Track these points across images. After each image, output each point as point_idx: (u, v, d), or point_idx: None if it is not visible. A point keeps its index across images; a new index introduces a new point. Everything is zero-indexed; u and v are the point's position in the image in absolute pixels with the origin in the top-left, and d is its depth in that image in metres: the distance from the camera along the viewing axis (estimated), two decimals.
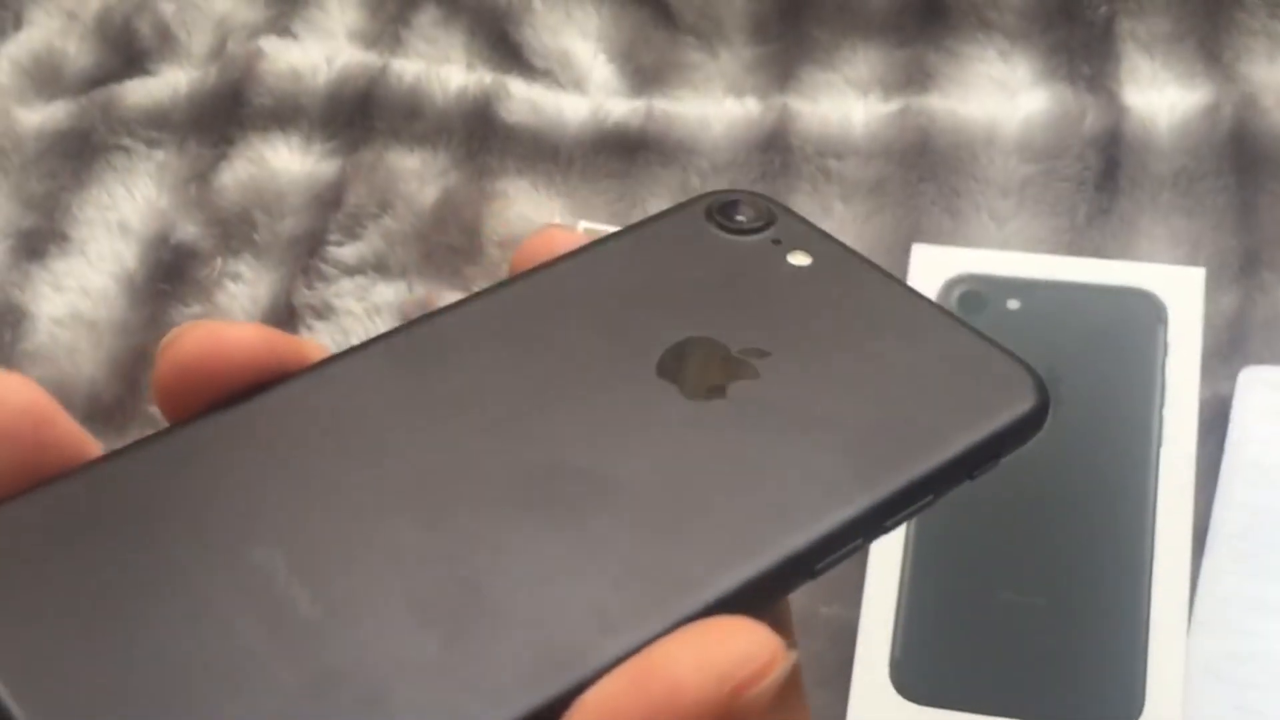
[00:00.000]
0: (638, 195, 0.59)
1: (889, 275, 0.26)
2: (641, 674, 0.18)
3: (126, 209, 0.62)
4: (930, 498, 0.23)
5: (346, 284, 0.59)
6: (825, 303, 0.25)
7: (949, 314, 0.25)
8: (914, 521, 0.49)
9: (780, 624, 0.23)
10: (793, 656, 0.19)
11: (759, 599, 0.20)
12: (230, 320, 0.24)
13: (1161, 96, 0.58)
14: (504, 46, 0.63)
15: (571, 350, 0.24)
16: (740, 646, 0.18)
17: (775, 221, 0.26)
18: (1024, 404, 0.23)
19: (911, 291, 0.25)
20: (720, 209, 0.27)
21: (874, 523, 0.22)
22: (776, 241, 0.26)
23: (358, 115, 0.62)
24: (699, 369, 0.24)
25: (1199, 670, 0.46)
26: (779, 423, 0.23)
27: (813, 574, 0.21)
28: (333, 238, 0.59)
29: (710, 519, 0.21)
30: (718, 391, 0.23)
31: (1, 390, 0.22)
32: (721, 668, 0.18)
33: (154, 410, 0.58)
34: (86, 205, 0.62)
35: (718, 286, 0.25)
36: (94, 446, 0.23)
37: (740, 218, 0.27)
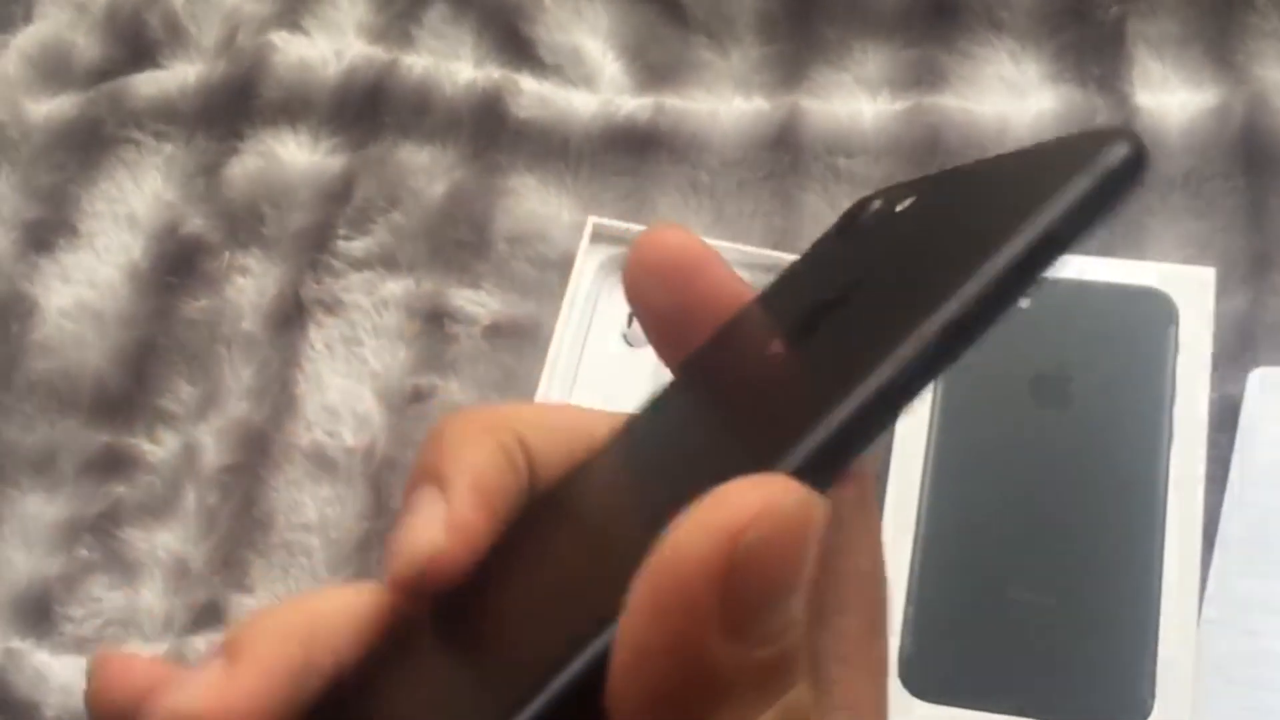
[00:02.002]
0: (647, 192, 0.59)
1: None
2: (652, 555, 0.18)
3: (134, 201, 0.62)
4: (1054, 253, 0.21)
5: (354, 278, 0.59)
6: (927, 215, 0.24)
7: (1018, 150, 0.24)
8: (925, 517, 0.49)
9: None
10: (800, 494, 0.18)
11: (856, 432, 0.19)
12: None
13: (1171, 98, 0.58)
14: (514, 42, 0.63)
15: None
16: (736, 497, 0.17)
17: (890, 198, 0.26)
18: (1116, 147, 0.21)
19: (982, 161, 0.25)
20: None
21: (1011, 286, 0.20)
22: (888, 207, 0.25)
23: (367, 110, 0.62)
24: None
25: (1208, 670, 0.46)
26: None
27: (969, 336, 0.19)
28: (341, 232, 0.59)
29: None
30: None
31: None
32: (718, 520, 0.17)
33: (161, 403, 0.57)
34: (95, 197, 0.62)
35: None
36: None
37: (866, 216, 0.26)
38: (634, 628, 0.17)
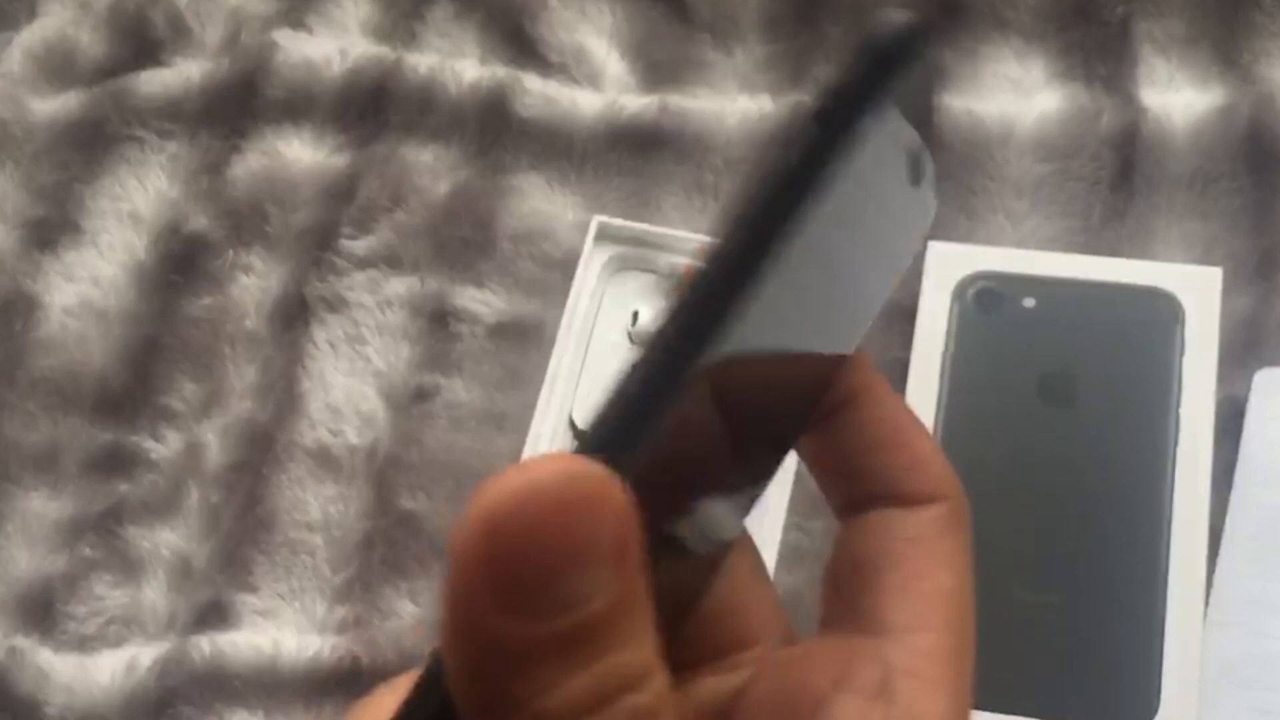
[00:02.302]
0: (651, 192, 0.59)
1: None
2: None
3: (138, 199, 0.62)
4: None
5: (358, 277, 0.59)
6: None
7: None
8: None
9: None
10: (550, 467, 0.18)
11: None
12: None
13: (1178, 97, 0.57)
14: (518, 41, 0.63)
15: None
16: (498, 481, 0.18)
17: None
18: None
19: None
20: None
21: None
22: None
23: (371, 108, 0.62)
24: None
25: (1214, 671, 0.46)
26: None
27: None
28: (345, 230, 0.59)
29: None
30: None
31: None
32: (479, 504, 0.18)
33: (165, 401, 0.57)
34: (98, 195, 0.62)
35: None
36: None
37: None
38: (441, 613, 0.18)
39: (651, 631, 0.19)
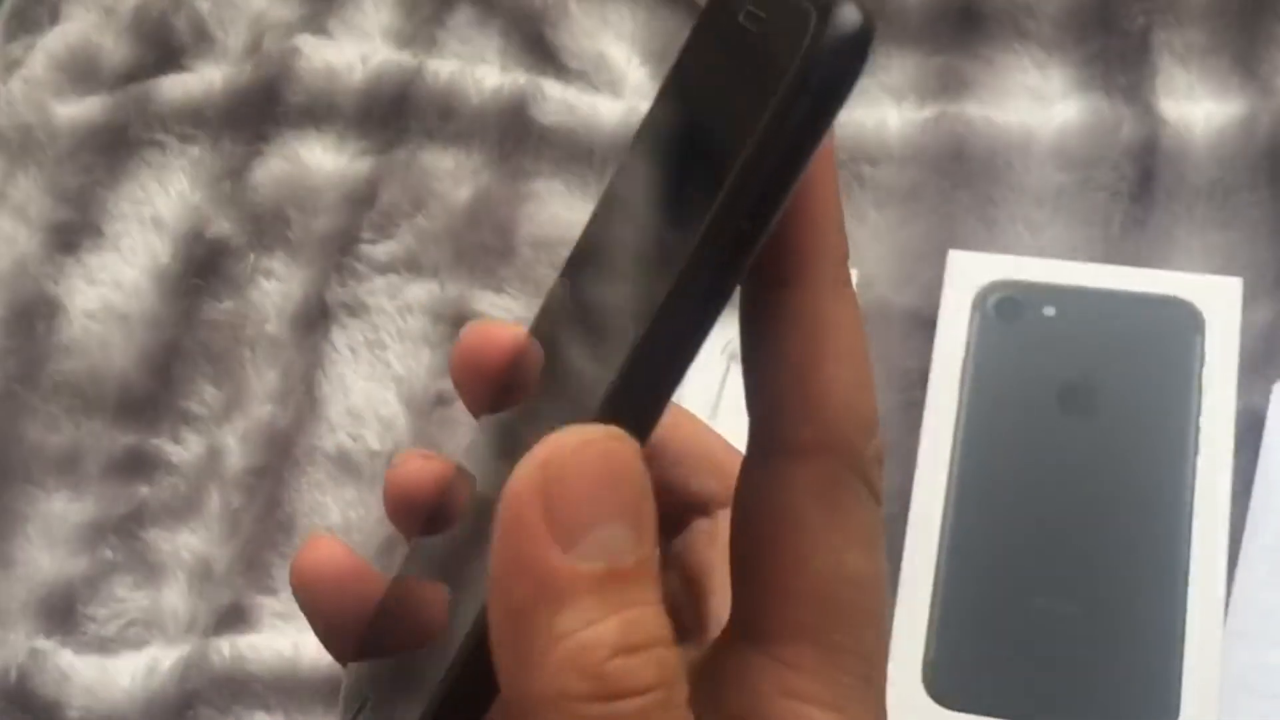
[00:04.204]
0: None
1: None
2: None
3: (160, 204, 0.62)
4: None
5: (379, 282, 0.59)
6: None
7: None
8: (951, 524, 0.49)
9: None
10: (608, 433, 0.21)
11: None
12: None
13: (1197, 108, 0.57)
14: (539, 48, 0.63)
15: None
16: (552, 438, 0.21)
17: None
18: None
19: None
20: None
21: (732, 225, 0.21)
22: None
23: (392, 114, 0.62)
24: None
25: (1233, 682, 0.46)
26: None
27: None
28: (366, 236, 0.60)
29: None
30: None
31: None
32: (536, 455, 0.20)
33: (185, 404, 0.58)
34: (120, 200, 0.62)
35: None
36: None
37: None
38: (493, 549, 0.21)
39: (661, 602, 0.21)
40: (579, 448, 0.21)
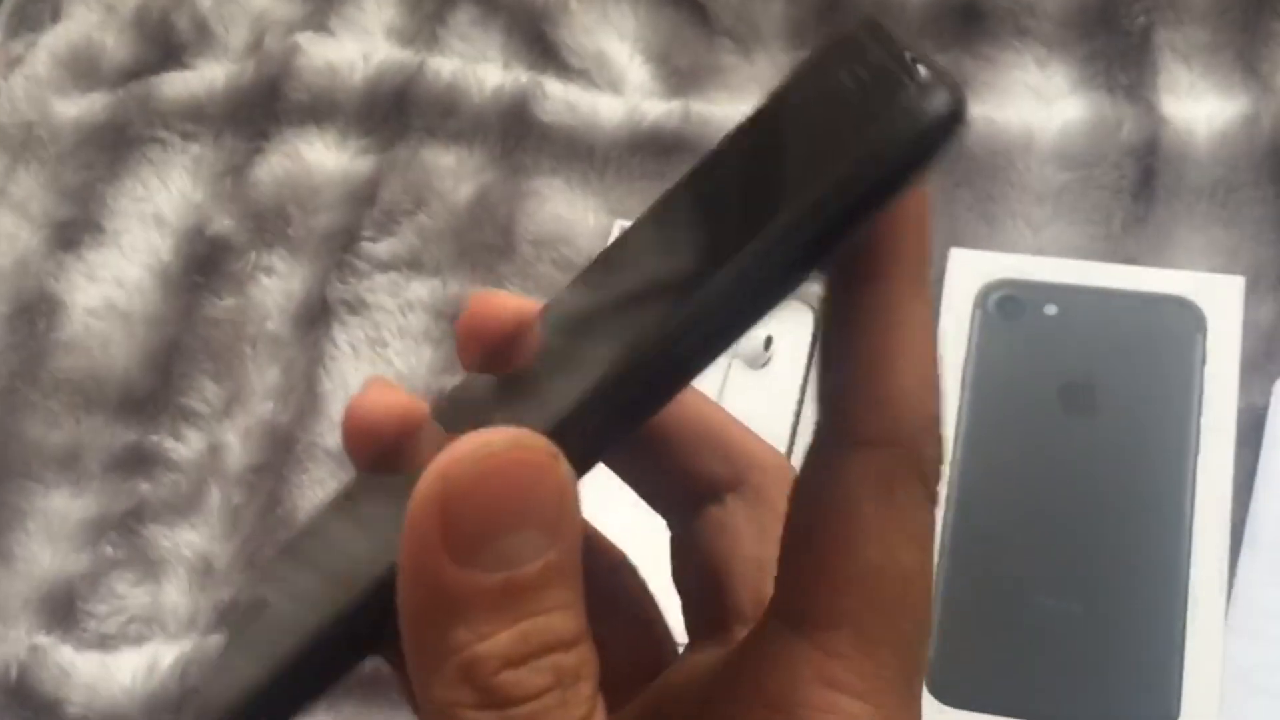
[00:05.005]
0: None
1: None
2: None
3: (161, 201, 0.62)
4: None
5: (380, 279, 0.59)
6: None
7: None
8: (953, 523, 0.49)
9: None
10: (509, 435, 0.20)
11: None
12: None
13: (1199, 107, 0.57)
14: (540, 46, 0.63)
15: None
16: (456, 444, 0.20)
17: None
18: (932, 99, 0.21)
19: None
20: None
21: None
22: None
23: (394, 112, 0.62)
24: None
25: (1235, 680, 0.46)
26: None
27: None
28: (367, 233, 0.60)
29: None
30: None
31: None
32: (438, 463, 0.20)
33: (186, 402, 0.58)
34: (122, 197, 0.62)
35: None
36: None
37: None
38: (400, 558, 0.21)
39: (581, 602, 0.21)
40: (481, 458, 0.20)
